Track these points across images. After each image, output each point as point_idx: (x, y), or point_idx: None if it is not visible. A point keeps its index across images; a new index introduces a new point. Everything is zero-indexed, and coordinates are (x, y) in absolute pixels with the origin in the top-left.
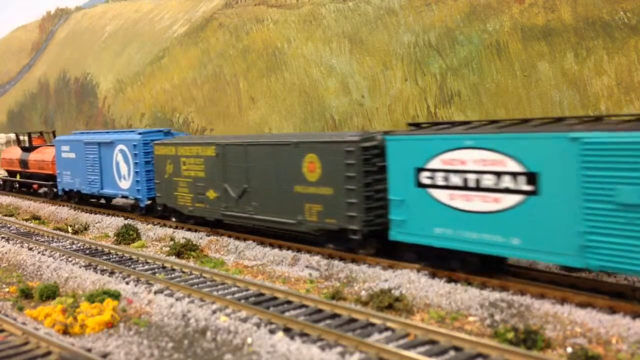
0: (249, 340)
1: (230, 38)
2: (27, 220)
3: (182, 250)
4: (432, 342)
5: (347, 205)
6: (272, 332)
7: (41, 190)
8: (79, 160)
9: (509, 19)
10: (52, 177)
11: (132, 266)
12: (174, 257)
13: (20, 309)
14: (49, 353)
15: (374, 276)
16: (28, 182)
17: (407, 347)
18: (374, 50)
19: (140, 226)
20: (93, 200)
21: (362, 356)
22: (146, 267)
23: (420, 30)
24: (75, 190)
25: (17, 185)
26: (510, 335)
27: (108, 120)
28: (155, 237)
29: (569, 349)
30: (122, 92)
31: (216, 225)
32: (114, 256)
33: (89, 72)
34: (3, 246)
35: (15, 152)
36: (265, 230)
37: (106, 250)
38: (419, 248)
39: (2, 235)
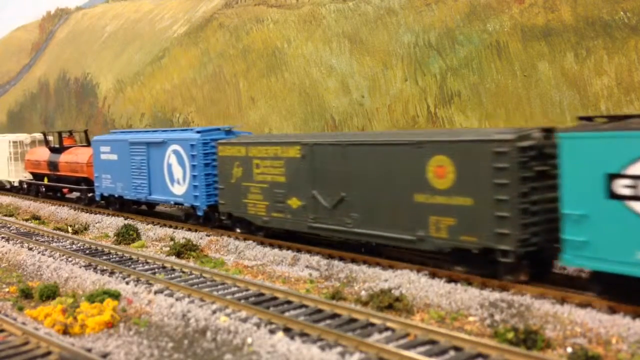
0: (249, 340)
1: (230, 38)
2: (27, 220)
3: (182, 250)
4: (432, 342)
5: (495, 219)
6: (272, 332)
7: (72, 195)
8: (122, 163)
9: (509, 19)
10: (86, 181)
11: (132, 266)
12: (174, 257)
13: (20, 309)
14: (49, 353)
15: (374, 276)
16: (57, 186)
17: (407, 347)
18: (374, 50)
19: (140, 226)
20: (135, 206)
21: (362, 356)
22: (146, 267)
23: (420, 30)
24: (116, 195)
25: (44, 189)
26: (510, 335)
27: (108, 120)
28: (155, 237)
29: (569, 349)
30: (122, 92)
31: (297, 239)
32: (114, 256)
33: (89, 72)
34: (3, 246)
35: (43, 153)
36: (360, 244)
37: (106, 250)
38: (608, 278)
39: (2, 235)
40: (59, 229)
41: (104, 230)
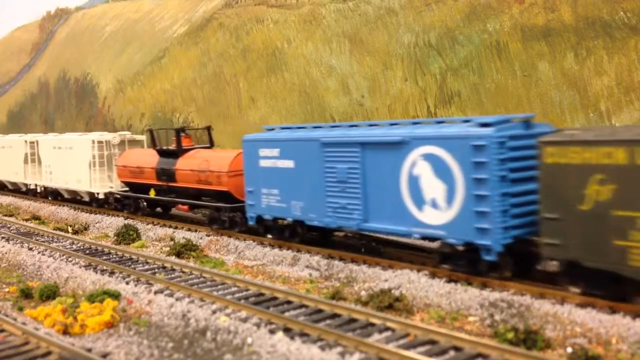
0: (249, 340)
1: (230, 38)
2: (27, 220)
3: (182, 250)
4: (432, 342)
5: None
6: (272, 332)
7: (190, 213)
8: (303, 172)
9: (509, 19)
10: (224, 195)
11: (132, 266)
12: (174, 257)
13: (20, 309)
14: (49, 353)
15: (374, 276)
16: (173, 202)
17: (407, 347)
18: (374, 50)
19: (140, 226)
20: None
21: (362, 356)
22: (146, 267)
23: (420, 30)
24: (290, 219)
25: (145, 203)
26: (510, 335)
27: (108, 120)
28: (155, 237)
29: (569, 349)
30: (122, 92)
31: None
32: (114, 256)
33: (89, 72)
34: (3, 246)
35: (146, 158)
36: None
37: (106, 250)
38: None
39: (2, 235)
40: (59, 229)
41: (104, 230)
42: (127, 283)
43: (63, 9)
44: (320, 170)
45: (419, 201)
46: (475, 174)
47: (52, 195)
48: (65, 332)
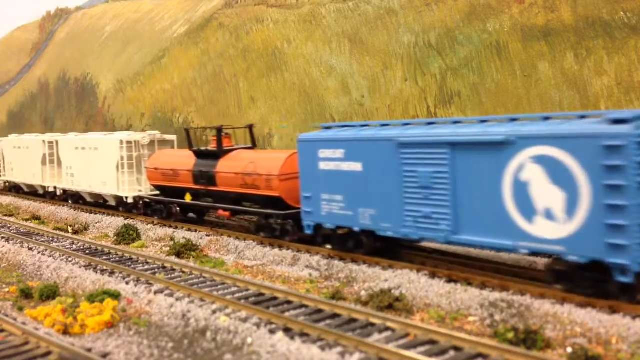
0: (249, 340)
1: (230, 38)
2: (27, 220)
3: (182, 250)
4: (432, 342)
5: None
6: (272, 332)
7: (230, 220)
8: (375, 176)
9: (509, 19)
10: (272, 201)
11: (132, 266)
12: (174, 257)
13: (20, 309)
14: (49, 353)
15: (374, 276)
16: (213, 207)
17: (407, 347)
18: (374, 50)
19: (140, 226)
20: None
21: (362, 356)
22: (146, 267)
23: (420, 30)
24: (357, 229)
25: (178, 209)
26: (510, 335)
27: (108, 120)
28: (155, 237)
29: (569, 349)
30: (122, 92)
31: None
32: (114, 256)
33: (89, 72)
34: (3, 246)
35: (181, 159)
36: None
37: (106, 250)
38: None
39: (2, 235)
40: (59, 229)
41: (104, 230)
42: (127, 283)
43: (63, 9)
44: (396, 173)
45: (528, 211)
46: (607, 180)
47: (73, 199)
48: (65, 332)
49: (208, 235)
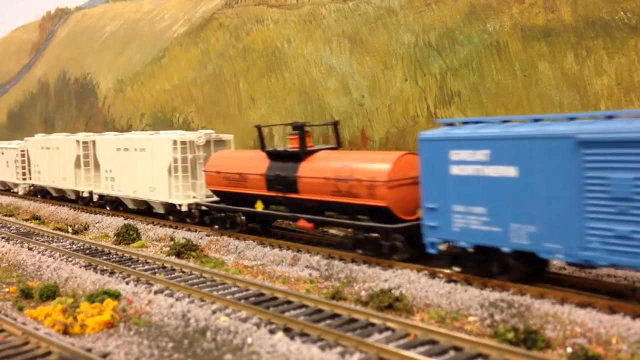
0: (249, 340)
1: (230, 38)
2: (27, 220)
3: (182, 250)
4: (432, 342)
5: None
6: (272, 332)
7: (316, 232)
8: (537, 183)
9: (509, 19)
10: (376, 212)
11: (132, 266)
12: (174, 257)
13: (20, 309)
14: (49, 353)
15: (374, 276)
16: (294, 217)
17: (407, 347)
18: (374, 50)
19: (140, 226)
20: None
21: (362, 356)
22: (146, 267)
23: (420, 30)
24: (509, 249)
25: (244, 218)
26: (510, 335)
27: (108, 120)
28: (155, 237)
29: (569, 349)
30: (122, 92)
31: None
32: (114, 256)
33: (89, 72)
34: (3, 246)
35: (250, 161)
36: None
37: (106, 250)
38: None
39: (2, 235)
40: (59, 229)
41: (104, 230)
42: (127, 283)
43: (63, 9)
44: (573, 181)
45: None
46: None
47: (112, 205)
48: (65, 332)
49: (208, 235)
